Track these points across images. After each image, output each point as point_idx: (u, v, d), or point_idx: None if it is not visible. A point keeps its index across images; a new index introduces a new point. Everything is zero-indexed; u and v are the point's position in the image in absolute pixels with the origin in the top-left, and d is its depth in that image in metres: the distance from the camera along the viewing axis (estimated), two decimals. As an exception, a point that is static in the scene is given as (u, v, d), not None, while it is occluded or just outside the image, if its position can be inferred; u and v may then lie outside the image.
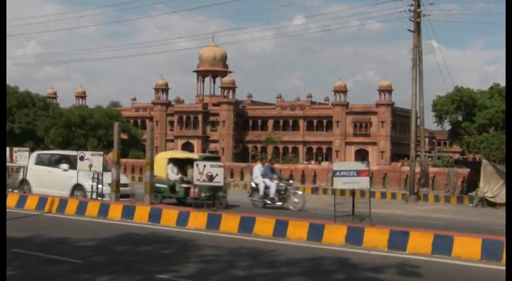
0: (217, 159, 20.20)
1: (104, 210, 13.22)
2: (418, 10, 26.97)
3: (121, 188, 15.39)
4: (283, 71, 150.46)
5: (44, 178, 16.64)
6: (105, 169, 14.63)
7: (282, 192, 18.16)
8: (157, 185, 17.01)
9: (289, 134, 73.53)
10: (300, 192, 19.68)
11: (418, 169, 28.13)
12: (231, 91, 75.20)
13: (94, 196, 14.49)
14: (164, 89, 77.91)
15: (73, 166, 15.56)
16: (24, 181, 16.45)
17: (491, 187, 23.18)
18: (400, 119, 69.62)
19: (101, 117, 57.52)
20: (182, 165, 17.51)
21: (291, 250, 9.61)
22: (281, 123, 75.06)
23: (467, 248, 9.42)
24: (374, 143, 69.77)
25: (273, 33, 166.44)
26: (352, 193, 11.22)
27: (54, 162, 17.09)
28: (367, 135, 70.47)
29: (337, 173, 10.97)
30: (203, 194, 14.49)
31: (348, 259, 9.01)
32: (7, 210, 11.90)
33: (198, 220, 11.96)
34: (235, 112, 74.69)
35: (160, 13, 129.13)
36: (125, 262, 8.37)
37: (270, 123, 75.64)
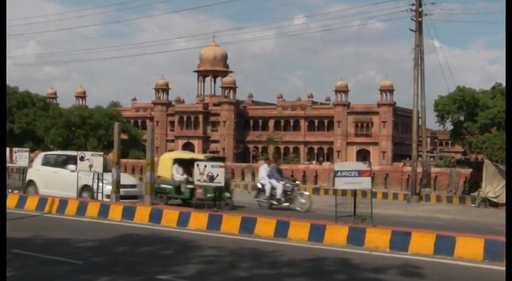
0: (223, 159, 20.06)
1: (104, 211, 13.18)
2: (420, 9, 26.90)
3: (129, 189, 15.35)
4: (284, 70, 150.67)
5: (50, 179, 16.50)
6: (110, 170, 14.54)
7: (289, 193, 17.99)
8: (162, 186, 16.97)
9: (290, 134, 73.49)
10: (306, 193, 19.48)
11: (420, 169, 28.05)
12: (231, 91, 75.20)
13: (100, 197, 14.41)
14: (165, 89, 77.92)
15: None
16: (30, 182, 16.41)
17: (493, 187, 23.13)
18: (402, 119, 69.58)
19: (101, 117, 57.50)
20: (187, 165, 17.40)
21: (292, 251, 9.57)
22: (282, 124, 75.03)
23: (469, 249, 9.37)
24: (375, 143, 69.72)
25: (274, 32, 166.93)
26: (354, 193, 11.18)
27: (61, 163, 16.92)
28: (368, 135, 70.42)
29: (339, 174, 10.93)
30: (209, 195, 14.42)
31: (350, 259, 8.96)
32: (7, 210, 11.86)
33: (198, 220, 11.92)
34: (236, 112, 74.69)
35: (161, 13, 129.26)
36: (125, 262, 8.34)
37: (271, 123, 75.62)
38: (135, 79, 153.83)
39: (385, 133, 69.46)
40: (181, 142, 75.60)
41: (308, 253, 9.48)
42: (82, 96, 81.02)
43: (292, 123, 74.66)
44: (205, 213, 12.06)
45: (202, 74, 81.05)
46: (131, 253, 9.20)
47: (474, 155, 51.46)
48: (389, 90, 69.92)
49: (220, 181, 12.21)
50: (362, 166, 10.93)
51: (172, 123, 77.34)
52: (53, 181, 16.35)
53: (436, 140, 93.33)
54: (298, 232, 10.74)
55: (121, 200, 14.09)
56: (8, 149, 15.02)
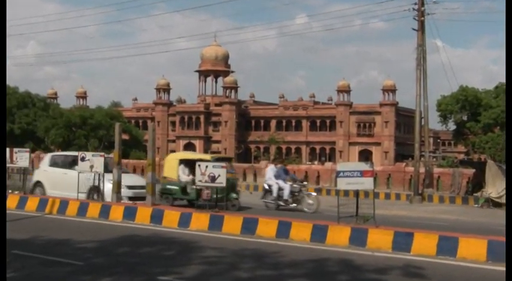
0: (230, 160, 19.99)
1: (105, 211, 13.15)
2: (422, 9, 26.80)
3: (138, 190, 15.26)
4: (285, 70, 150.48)
5: (58, 180, 16.24)
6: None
7: (296, 194, 17.87)
8: (168, 186, 16.93)
9: (292, 135, 73.42)
10: (314, 193, 19.34)
11: (422, 170, 27.98)
12: (233, 91, 75.15)
13: (106, 198, 14.32)
14: (166, 89, 77.85)
15: None
16: (37, 183, 16.30)
17: (496, 187, 23.04)
18: (404, 119, 69.49)
19: (101, 117, 57.36)
20: (194, 166, 17.34)
21: (294, 251, 9.54)
22: (284, 124, 74.94)
23: (472, 250, 9.33)
24: (378, 144, 69.63)
25: (276, 32, 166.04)
26: (356, 193, 11.15)
27: (69, 164, 16.55)
28: (370, 135, 70.33)
29: (341, 174, 10.90)
30: (215, 196, 14.35)
31: (352, 260, 8.93)
32: (7, 211, 11.84)
33: (200, 221, 11.88)
34: (237, 112, 74.67)
35: (162, 12, 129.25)
36: (126, 263, 8.31)
37: (273, 123, 75.55)
38: (136, 79, 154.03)
39: (388, 133, 69.37)
40: (182, 142, 75.57)
41: (310, 253, 9.45)
42: (83, 96, 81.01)
43: (294, 124, 74.59)
44: (206, 214, 12.03)
45: (203, 74, 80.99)
46: (132, 253, 9.17)
47: (477, 155, 51.33)
48: (392, 90, 69.82)
49: (221, 182, 12.17)
50: (364, 166, 10.90)
51: (173, 123, 77.33)
52: (61, 182, 15.97)
53: (438, 140, 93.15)
54: (300, 232, 10.70)
55: (130, 201, 14.09)
56: (8, 150, 14.95)
